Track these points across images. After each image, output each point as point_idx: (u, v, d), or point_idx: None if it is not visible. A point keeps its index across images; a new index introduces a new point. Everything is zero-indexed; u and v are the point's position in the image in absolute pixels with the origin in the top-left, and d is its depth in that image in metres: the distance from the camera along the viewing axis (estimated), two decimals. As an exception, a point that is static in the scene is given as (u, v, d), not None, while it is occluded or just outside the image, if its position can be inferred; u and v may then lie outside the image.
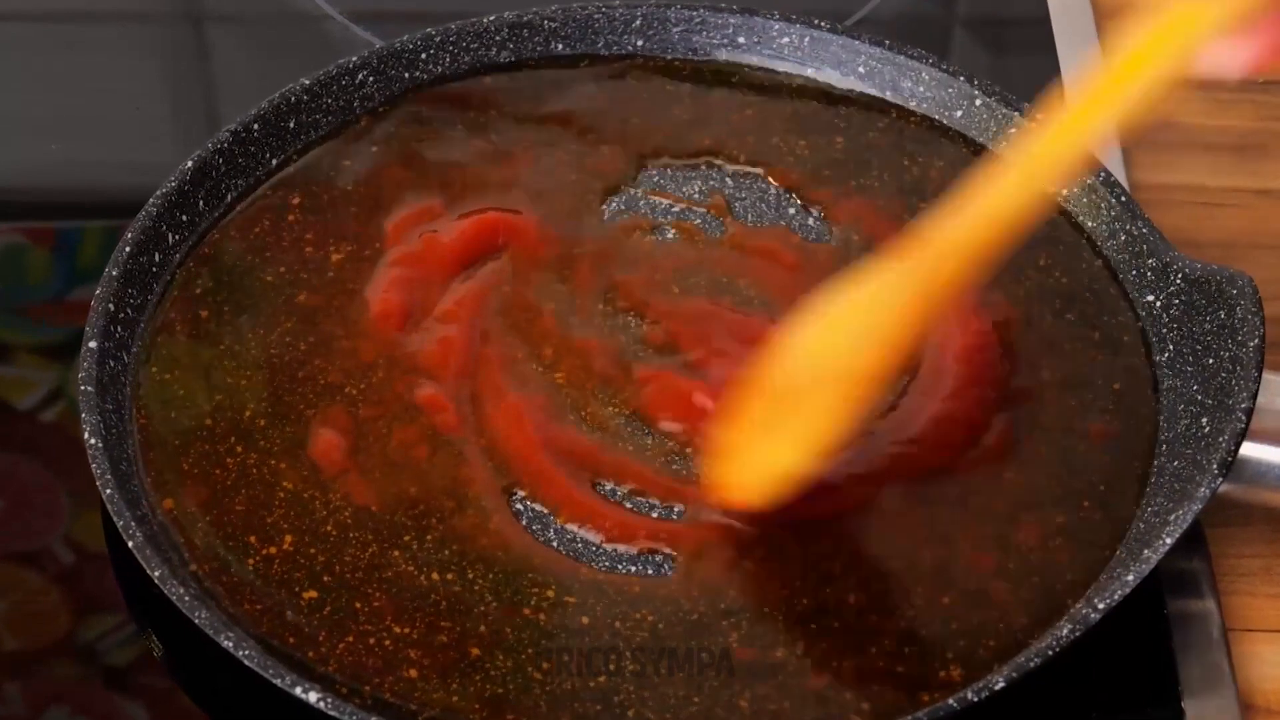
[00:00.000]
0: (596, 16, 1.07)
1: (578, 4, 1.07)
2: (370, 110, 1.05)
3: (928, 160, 1.03)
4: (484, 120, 1.05)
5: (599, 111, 1.05)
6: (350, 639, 0.86)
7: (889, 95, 1.05)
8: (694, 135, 1.04)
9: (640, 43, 1.08)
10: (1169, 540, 0.85)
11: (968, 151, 1.03)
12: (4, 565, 0.92)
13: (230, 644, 0.83)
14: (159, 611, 0.87)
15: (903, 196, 1.02)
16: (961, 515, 0.90)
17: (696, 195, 1.02)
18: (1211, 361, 0.91)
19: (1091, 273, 0.98)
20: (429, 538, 0.89)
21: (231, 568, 0.88)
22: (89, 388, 0.91)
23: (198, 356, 0.95)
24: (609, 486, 0.91)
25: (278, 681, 0.82)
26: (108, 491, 0.88)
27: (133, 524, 0.86)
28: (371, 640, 0.86)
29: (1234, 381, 0.89)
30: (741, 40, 1.07)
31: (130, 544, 0.86)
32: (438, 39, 1.06)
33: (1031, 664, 0.83)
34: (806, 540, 0.89)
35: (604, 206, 1.02)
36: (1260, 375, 0.89)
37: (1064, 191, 1.00)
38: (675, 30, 1.07)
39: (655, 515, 0.90)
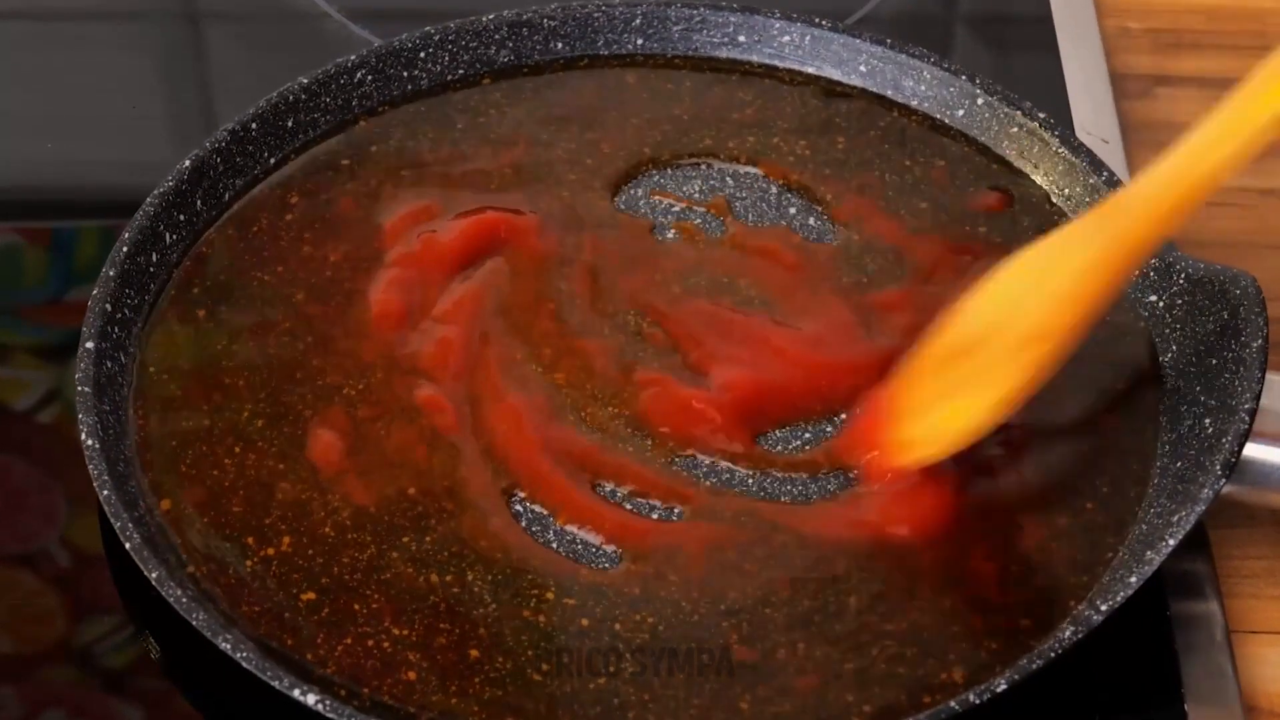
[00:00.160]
0: (596, 15, 1.07)
1: (577, 3, 1.07)
2: (369, 109, 1.05)
3: (929, 159, 1.03)
4: (483, 120, 1.05)
5: (599, 111, 1.05)
6: (349, 641, 0.86)
7: (890, 94, 1.05)
8: (694, 134, 1.04)
9: (640, 41, 1.08)
10: (1172, 542, 0.85)
11: (970, 150, 1.03)
12: (0, 567, 0.92)
13: (228, 646, 0.83)
14: (156, 613, 0.86)
15: (904, 195, 1.02)
16: (963, 517, 0.90)
17: (697, 195, 1.02)
18: (1215, 362, 0.91)
19: (1094, 273, 0.98)
20: (428, 539, 0.89)
21: (229, 569, 0.88)
22: (86, 388, 0.91)
23: (195, 357, 0.95)
24: (609, 488, 0.91)
25: (276, 683, 0.82)
26: (105, 493, 0.87)
27: (130, 525, 0.86)
28: (370, 642, 0.86)
29: (1237, 382, 0.89)
30: (742, 39, 1.07)
31: (127, 545, 0.86)
32: (437, 38, 1.06)
33: (1033, 666, 0.83)
34: (807, 541, 0.89)
35: (604, 206, 1.02)
36: (1264, 376, 0.89)
37: (1066, 192, 1.00)
38: (675, 29, 1.07)
39: (655, 517, 0.90)
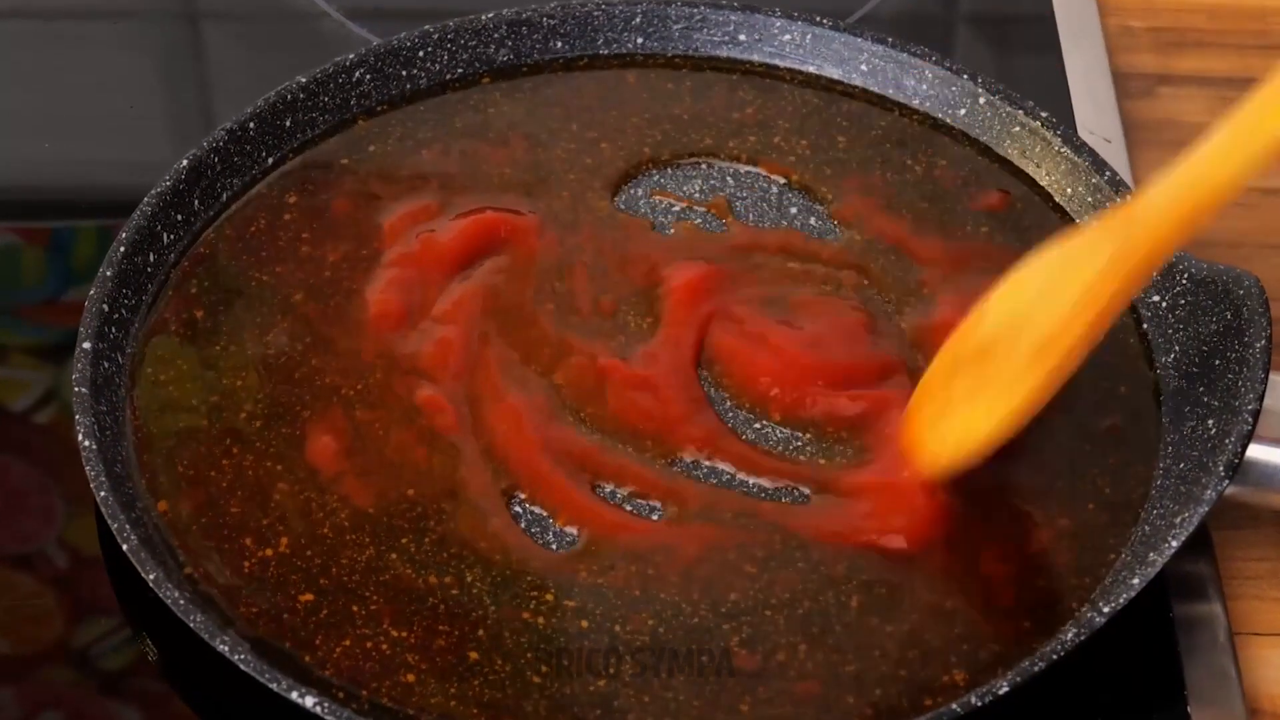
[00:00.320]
0: (596, 14, 1.07)
1: (577, 1, 1.07)
2: (367, 109, 1.04)
3: (930, 159, 1.03)
4: (482, 119, 1.04)
5: (599, 110, 1.05)
6: (347, 642, 0.85)
7: (891, 93, 1.05)
8: (695, 134, 1.04)
9: (640, 40, 1.07)
10: (1175, 543, 0.85)
11: (971, 150, 1.03)
12: (-3, 568, 0.92)
13: (226, 648, 0.83)
14: (154, 615, 0.86)
15: (905, 195, 1.01)
16: (965, 518, 0.89)
17: (697, 195, 1.02)
18: (1218, 363, 0.91)
19: (1097, 273, 0.98)
20: (427, 540, 0.89)
21: (227, 571, 0.87)
22: (83, 389, 0.90)
23: (193, 357, 0.95)
24: (609, 488, 0.91)
25: (274, 686, 0.82)
26: (102, 494, 0.87)
27: (127, 527, 0.86)
28: (369, 644, 0.85)
29: (1240, 383, 0.89)
30: (743, 38, 1.07)
31: (125, 547, 0.86)
32: (436, 37, 1.05)
33: (1035, 668, 0.83)
34: (808, 543, 0.89)
35: (604, 206, 1.01)
36: (1267, 376, 0.88)
37: (1068, 191, 1.00)
38: (676, 27, 1.07)
39: (656, 518, 0.90)
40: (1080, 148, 1.00)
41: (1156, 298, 0.95)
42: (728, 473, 0.92)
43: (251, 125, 1.01)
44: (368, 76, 1.04)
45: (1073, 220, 1.00)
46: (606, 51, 1.07)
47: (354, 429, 0.92)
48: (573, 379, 0.94)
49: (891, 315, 0.97)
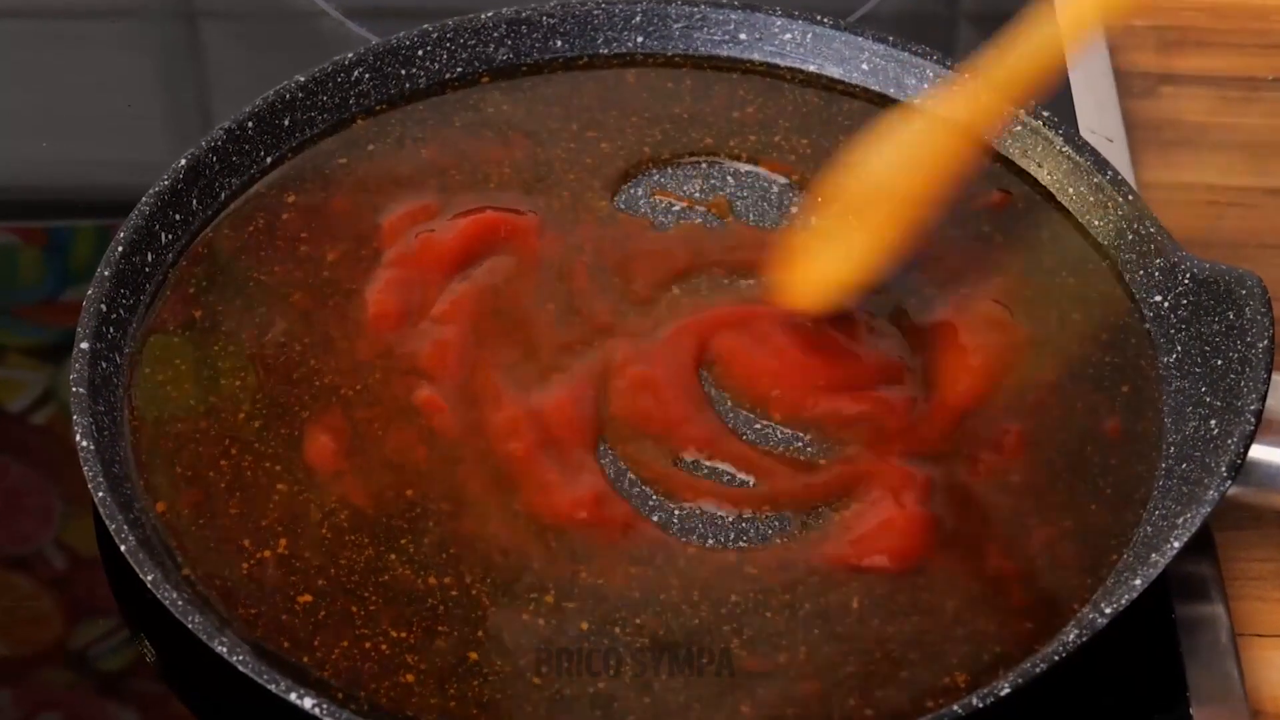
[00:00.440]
0: (596, 13, 1.07)
1: (577, 0, 1.07)
2: (366, 108, 1.04)
3: (932, 158, 1.02)
4: (481, 118, 1.04)
5: (599, 110, 1.05)
6: (346, 644, 0.85)
7: (892, 92, 1.05)
8: (695, 133, 1.04)
9: (640, 39, 1.07)
10: (1177, 544, 0.85)
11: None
12: (-5, 569, 0.92)
13: (224, 649, 0.83)
14: (152, 616, 0.86)
15: (906, 195, 1.01)
16: (967, 519, 0.89)
17: (698, 194, 1.02)
18: (1220, 363, 0.91)
19: (1099, 273, 0.97)
20: (426, 540, 0.89)
21: (225, 571, 0.87)
22: (81, 389, 0.90)
23: (191, 357, 0.95)
24: (609, 489, 0.90)
25: (272, 687, 0.82)
26: (100, 494, 0.87)
27: (125, 527, 0.86)
28: (368, 645, 0.85)
29: (1243, 383, 0.89)
30: (743, 36, 1.07)
31: (123, 548, 0.85)
32: (435, 36, 1.05)
33: (1037, 669, 0.83)
34: (809, 544, 0.88)
35: (604, 205, 1.01)
36: (1270, 377, 0.88)
37: (1070, 191, 1.00)
38: (676, 26, 1.07)
39: (655, 518, 0.90)
40: (1082, 147, 1.00)
41: (1159, 298, 0.95)
42: (728, 473, 0.91)
43: (250, 125, 1.01)
44: (367, 76, 1.04)
45: (1074, 219, 0.99)
46: (606, 51, 1.07)
47: (353, 429, 0.92)
48: (572, 379, 0.94)
49: (892, 315, 0.96)
